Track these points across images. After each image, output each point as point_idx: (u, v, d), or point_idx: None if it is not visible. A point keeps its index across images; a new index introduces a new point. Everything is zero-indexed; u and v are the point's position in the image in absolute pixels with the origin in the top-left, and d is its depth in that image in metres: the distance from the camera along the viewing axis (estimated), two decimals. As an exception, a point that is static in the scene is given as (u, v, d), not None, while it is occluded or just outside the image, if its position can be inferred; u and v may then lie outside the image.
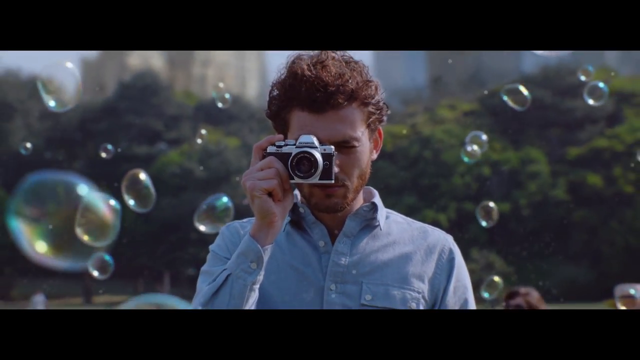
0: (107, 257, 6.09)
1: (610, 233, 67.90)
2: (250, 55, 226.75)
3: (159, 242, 69.07)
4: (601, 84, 8.34)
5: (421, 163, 72.86)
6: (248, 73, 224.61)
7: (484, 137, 7.45)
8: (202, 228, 6.53)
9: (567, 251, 71.85)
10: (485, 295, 6.83)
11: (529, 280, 58.77)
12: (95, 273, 5.95)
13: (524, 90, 8.11)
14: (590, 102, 7.87)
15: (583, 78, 8.77)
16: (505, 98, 8.01)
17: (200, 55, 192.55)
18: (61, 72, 5.30)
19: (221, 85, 10.02)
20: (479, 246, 66.03)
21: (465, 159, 6.36)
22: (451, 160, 72.15)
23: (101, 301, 65.93)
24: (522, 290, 7.04)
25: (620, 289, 7.14)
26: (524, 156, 74.12)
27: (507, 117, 77.47)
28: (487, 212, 6.96)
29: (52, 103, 5.23)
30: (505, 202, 72.24)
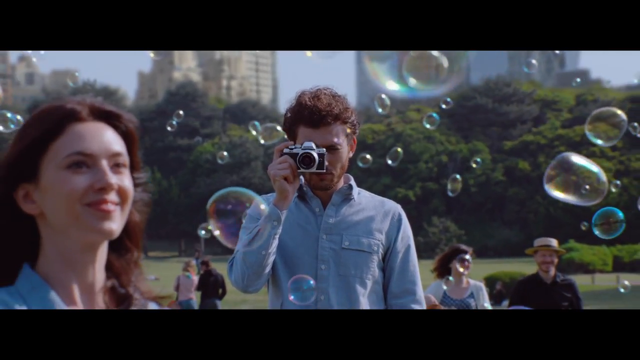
0: None
1: (535, 205, 67.95)
2: (266, 71, 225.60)
3: (197, 212, 68.90)
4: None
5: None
6: (263, 85, 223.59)
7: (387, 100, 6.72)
8: None
9: (503, 218, 71.89)
10: (389, 162, 6.34)
11: (475, 240, 58.92)
12: None
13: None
14: (389, 162, 7.01)
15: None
16: None
17: (226, 71, 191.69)
18: None
19: (181, 112, 10.03)
20: (438, 215, 66.13)
21: (380, 110, 5.51)
22: (417, 151, 72.20)
23: (153, 255, 65.96)
24: (463, 246, 7.19)
25: (538, 241, 7.37)
26: (472, 147, 74.03)
27: (460, 118, 77.44)
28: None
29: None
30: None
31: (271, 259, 2.78)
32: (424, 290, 3.47)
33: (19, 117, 5.74)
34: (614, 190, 11.31)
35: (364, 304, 2.86)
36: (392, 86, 2.94)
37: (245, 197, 2.34)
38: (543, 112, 77.12)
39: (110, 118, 1.46)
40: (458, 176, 5.73)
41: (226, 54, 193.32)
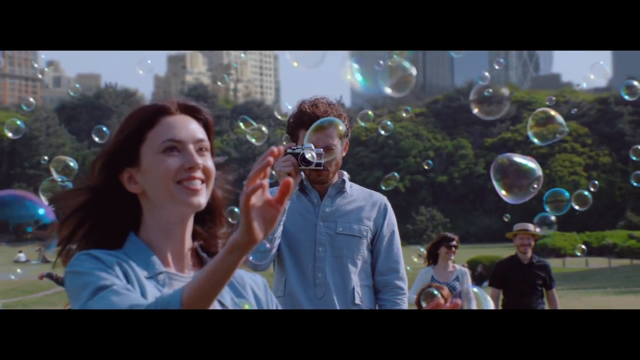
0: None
1: (513, 196, 67.83)
2: (269, 75, 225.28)
3: (208, 202, 68.82)
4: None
5: (386, 148, 72.74)
6: (267, 87, 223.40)
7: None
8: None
9: (484, 208, 71.92)
10: (361, 124, 5.94)
11: (459, 227, 58.97)
12: None
13: None
14: (361, 124, 6.71)
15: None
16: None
17: (234, 75, 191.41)
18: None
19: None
20: (425, 204, 66.30)
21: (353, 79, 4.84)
22: (407, 147, 72.32)
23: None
24: (449, 234, 7.20)
25: (517, 225, 7.37)
26: (456, 144, 74.08)
27: (446, 117, 77.50)
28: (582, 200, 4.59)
29: (10, 134, 5.43)
30: (444, 175, 72.36)
31: (276, 242, 3.00)
32: (415, 279, 3.57)
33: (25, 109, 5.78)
34: (592, 189, 11.32)
35: (355, 280, 3.07)
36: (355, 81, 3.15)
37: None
38: (520, 112, 77.19)
39: (193, 111, 1.64)
40: (396, 174, 5.78)
41: (234, 59, 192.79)
